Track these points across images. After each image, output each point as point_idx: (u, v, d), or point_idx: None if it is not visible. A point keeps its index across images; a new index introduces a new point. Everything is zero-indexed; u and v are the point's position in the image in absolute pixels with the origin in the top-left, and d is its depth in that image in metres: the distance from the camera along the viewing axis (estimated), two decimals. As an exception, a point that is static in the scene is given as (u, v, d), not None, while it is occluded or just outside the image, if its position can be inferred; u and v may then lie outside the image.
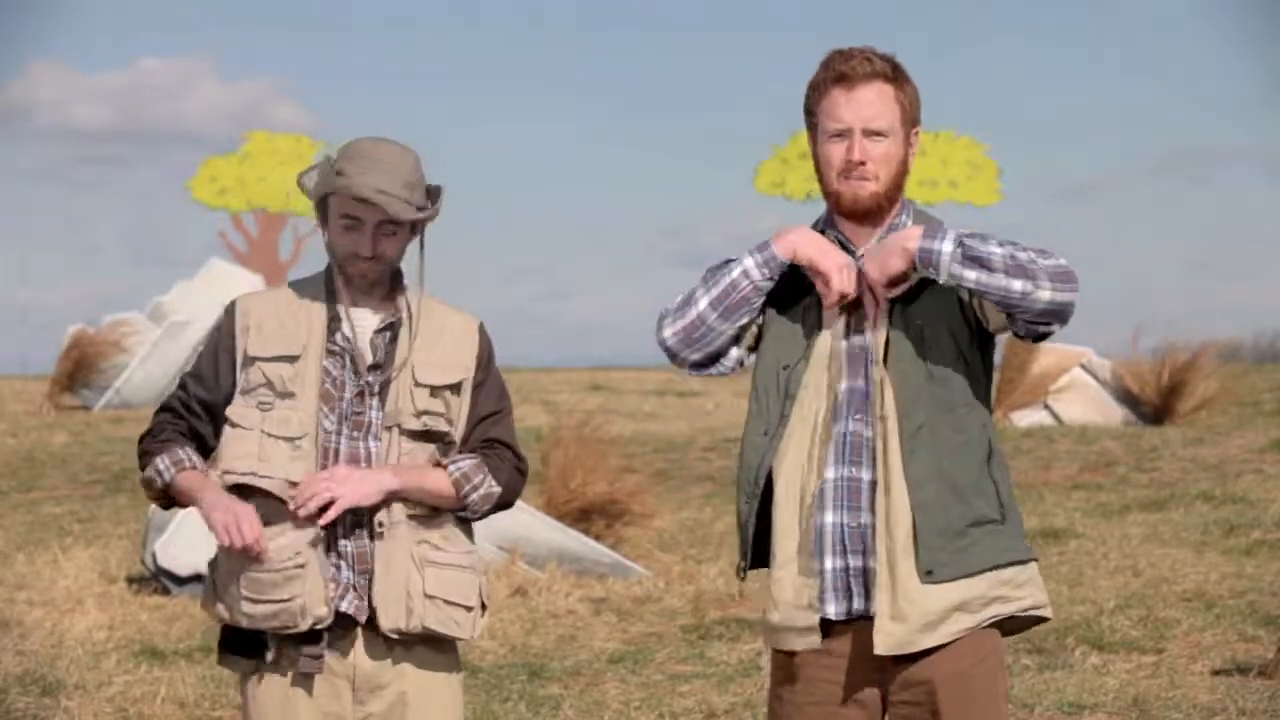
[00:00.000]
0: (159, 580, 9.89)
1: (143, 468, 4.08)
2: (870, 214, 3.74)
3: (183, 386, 4.10)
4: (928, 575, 3.59)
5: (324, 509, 3.91)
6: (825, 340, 3.72)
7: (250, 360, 3.99)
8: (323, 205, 4.04)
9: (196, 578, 9.79)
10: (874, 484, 3.64)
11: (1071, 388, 18.21)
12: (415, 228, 4.03)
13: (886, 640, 3.61)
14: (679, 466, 14.78)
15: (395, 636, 3.99)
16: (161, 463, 4.04)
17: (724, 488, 13.69)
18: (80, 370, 20.42)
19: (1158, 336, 18.30)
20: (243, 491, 3.97)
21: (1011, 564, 3.65)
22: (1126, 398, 18.15)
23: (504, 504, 4.13)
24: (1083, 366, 18.45)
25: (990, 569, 3.62)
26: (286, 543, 3.93)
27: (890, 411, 3.63)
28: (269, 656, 3.99)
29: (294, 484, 3.93)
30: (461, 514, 4.08)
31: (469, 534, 4.12)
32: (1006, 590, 3.64)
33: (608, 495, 10.95)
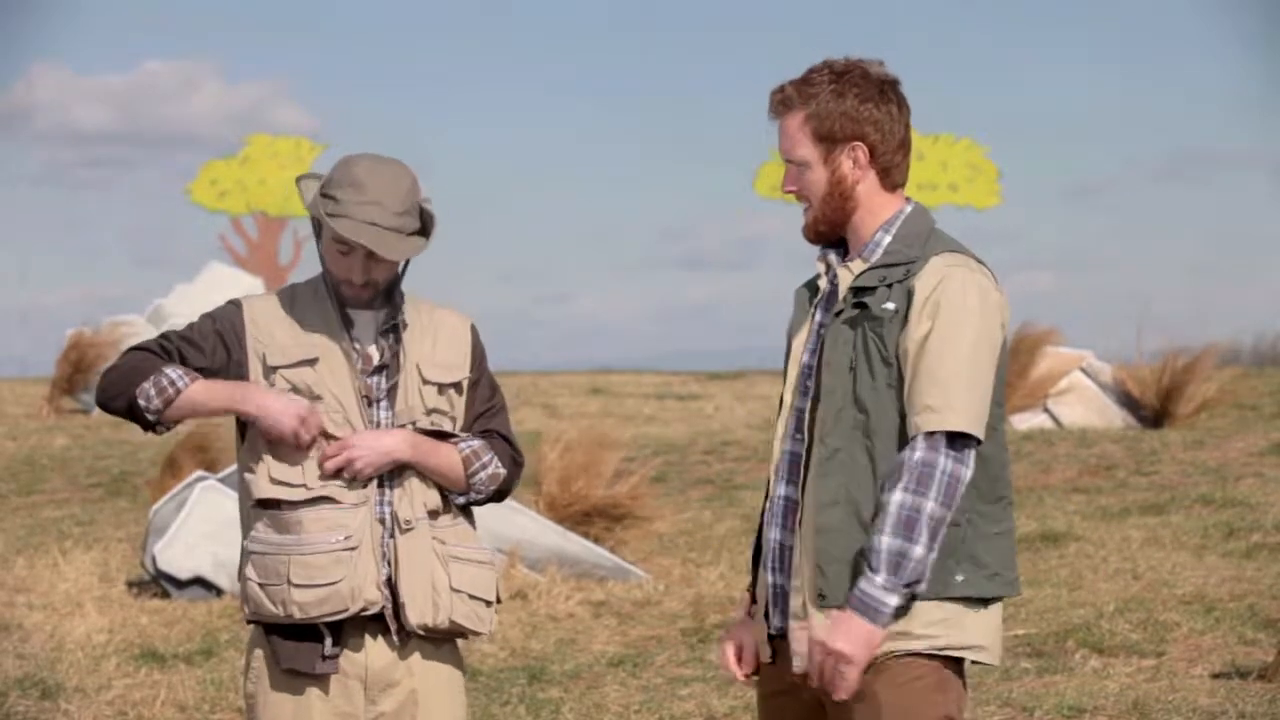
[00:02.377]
0: (159, 583, 9.89)
1: (136, 382, 3.95)
2: (822, 236, 3.74)
3: (167, 338, 4.04)
4: (820, 599, 3.59)
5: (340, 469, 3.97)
6: (795, 355, 3.76)
7: (272, 369, 4.01)
8: (317, 220, 4.04)
9: (196, 581, 9.79)
10: (797, 503, 3.66)
11: (1071, 391, 18.20)
12: None
13: (795, 659, 3.63)
14: (679, 469, 14.77)
15: (422, 632, 4.01)
16: (172, 372, 3.97)
17: (724, 491, 13.69)
18: (80, 373, 20.42)
19: (1158, 339, 18.28)
20: (286, 502, 3.99)
21: (921, 600, 3.56)
22: (1126, 401, 18.13)
23: (501, 493, 4.14)
24: (1083, 370, 18.44)
25: None
26: (339, 523, 3.96)
27: (819, 433, 3.63)
28: (327, 649, 3.99)
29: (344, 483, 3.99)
30: (462, 496, 4.09)
31: (475, 532, 4.14)
32: (912, 626, 3.57)
33: (607, 498, 10.94)
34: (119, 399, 3.99)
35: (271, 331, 4.04)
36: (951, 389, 3.53)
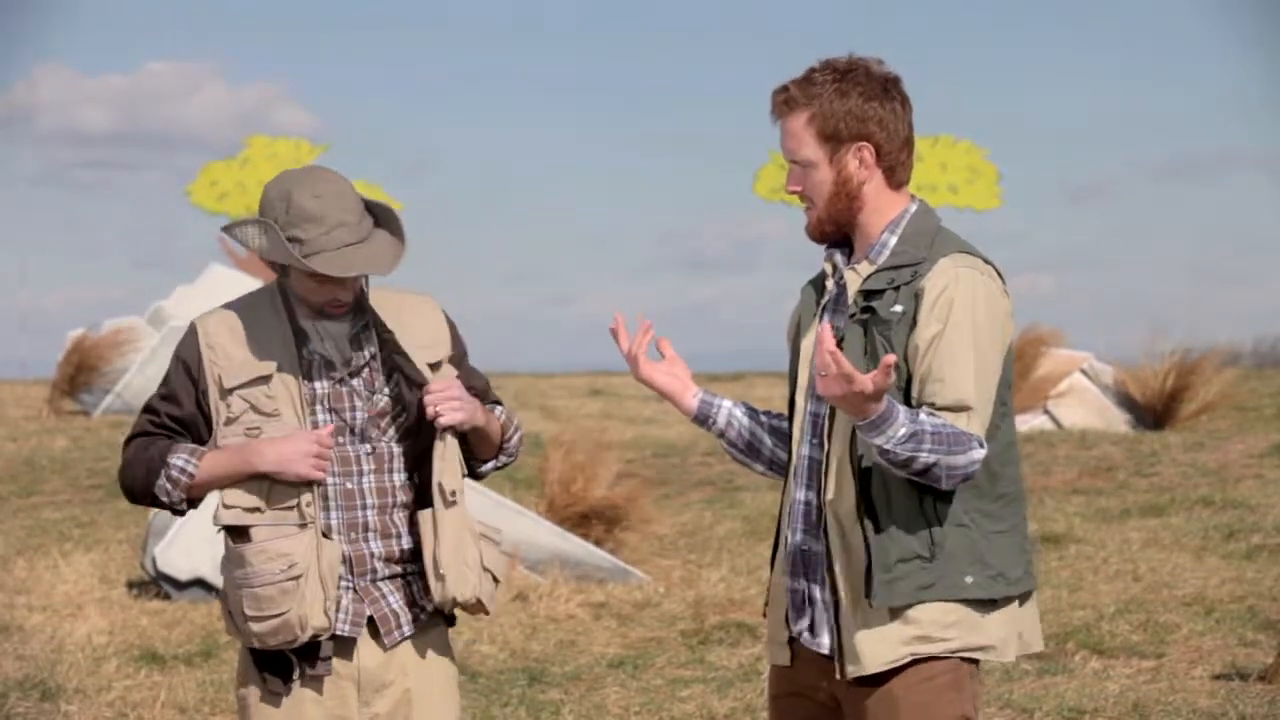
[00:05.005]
0: (159, 585, 9.89)
1: (151, 481, 3.97)
2: (827, 236, 3.74)
3: (152, 410, 4.03)
4: (853, 604, 3.61)
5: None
6: (805, 358, 3.77)
7: (228, 391, 3.97)
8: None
9: (196, 583, 9.79)
10: (820, 509, 3.66)
11: (1071, 392, 18.20)
12: None
13: (850, 664, 3.64)
14: (679, 471, 14.76)
15: (451, 606, 4.01)
16: (178, 460, 3.97)
17: (724, 493, 13.68)
18: (80, 375, 20.41)
19: (1159, 340, 18.25)
20: (240, 529, 3.97)
21: (935, 601, 3.59)
22: (1127, 402, 18.13)
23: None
24: (1083, 371, 18.44)
25: (907, 606, 3.58)
26: (281, 553, 3.93)
27: (837, 438, 3.64)
28: (295, 675, 3.98)
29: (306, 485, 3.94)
30: (492, 461, 4.12)
31: None
32: (932, 630, 3.60)
33: (608, 500, 10.94)
34: (143, 498, 4.03)
35: (228, 352, 3.98)
36: (962, 384, 3.56)
